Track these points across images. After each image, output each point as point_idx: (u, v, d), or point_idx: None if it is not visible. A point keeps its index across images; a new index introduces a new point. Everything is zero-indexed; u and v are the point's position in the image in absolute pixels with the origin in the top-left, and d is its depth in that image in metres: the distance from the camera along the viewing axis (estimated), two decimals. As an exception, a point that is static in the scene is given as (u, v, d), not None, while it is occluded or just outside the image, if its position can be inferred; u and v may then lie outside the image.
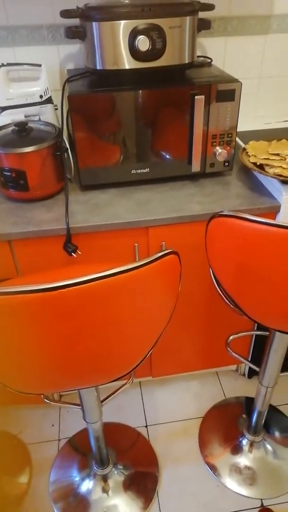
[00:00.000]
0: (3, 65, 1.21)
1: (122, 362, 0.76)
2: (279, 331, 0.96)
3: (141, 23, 1.02)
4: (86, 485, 1.31)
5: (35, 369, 0.68)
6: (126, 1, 1.05)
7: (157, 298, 0.71)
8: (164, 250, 0.69)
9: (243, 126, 1.52)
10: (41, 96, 1.25)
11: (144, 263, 0.63)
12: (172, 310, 0.83)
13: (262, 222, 0.74)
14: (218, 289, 1.04)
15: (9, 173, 1.08)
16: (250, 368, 1.63)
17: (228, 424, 1.49)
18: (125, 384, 1.13)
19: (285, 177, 1.10)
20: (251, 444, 1.41)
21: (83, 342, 0.65)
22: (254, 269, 0.80)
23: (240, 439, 1.43)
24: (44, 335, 0.62)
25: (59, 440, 1.46)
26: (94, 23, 1.03)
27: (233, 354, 1.24)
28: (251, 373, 1.65)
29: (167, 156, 1.19)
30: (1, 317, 0.60)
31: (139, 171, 1.19)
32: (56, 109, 1.32)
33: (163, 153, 1.18)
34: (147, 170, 1.20)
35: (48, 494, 1.30)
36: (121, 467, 1.35)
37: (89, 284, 0.57)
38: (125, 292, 0.63)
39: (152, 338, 0.81)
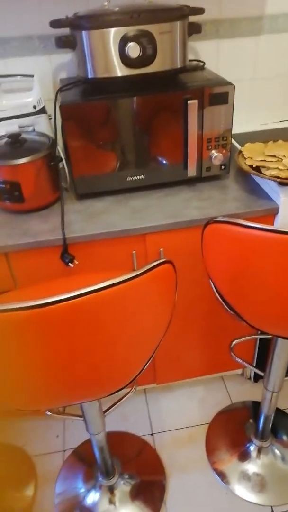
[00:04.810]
0: (-5, 77, 1.21)
1: (120, 374, 0.75)
2: (279, 336, 0.95)
3: (130, 30, 1.02)
4: (92, 497, 1.29)
5: (30, 386, 0.67)
6: (116, 9, 1.04)
7: (152, 309, 0.70)
8: (158, 260, 0.68)
9: (239, 128, 1.51)
10: (34, 107, 1.25)
11: (137, 275, 0.61)
12: (169, 320, 0.81)
13: (256, 227, 0.72)
14: (217, 295, 1.02)
15: (3, 185, 1.08)
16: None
17: (235, 429, 1.46)
18: (128, 393, 1.11)
19: (282, 178, 1.09)
20: (259, 450, 1.38)
21: (76, 357, 0.64)
22: (250, 275, 0.78)
23: (248, 445, 1.40)
24: (35, 352, 0.61)
25: (64, 451, 1.45)
26: (83, 32, 1.03)
27: (237, 359, 1.22)
28: (257, 377, 1.63)
29: (163, 162, 1.18)
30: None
31: (135, 178, 1.18)
32: (51, 119, 1.32)
33: (159, 159, 1.17)
34: (143, 176, 1.19)
35: (54, 507, 1.29)
36: (127, 477, 1.33)
37: (79, 299, 0.56)
38: (118, 305, 0.62)
39: (149, 349, 0.79)
